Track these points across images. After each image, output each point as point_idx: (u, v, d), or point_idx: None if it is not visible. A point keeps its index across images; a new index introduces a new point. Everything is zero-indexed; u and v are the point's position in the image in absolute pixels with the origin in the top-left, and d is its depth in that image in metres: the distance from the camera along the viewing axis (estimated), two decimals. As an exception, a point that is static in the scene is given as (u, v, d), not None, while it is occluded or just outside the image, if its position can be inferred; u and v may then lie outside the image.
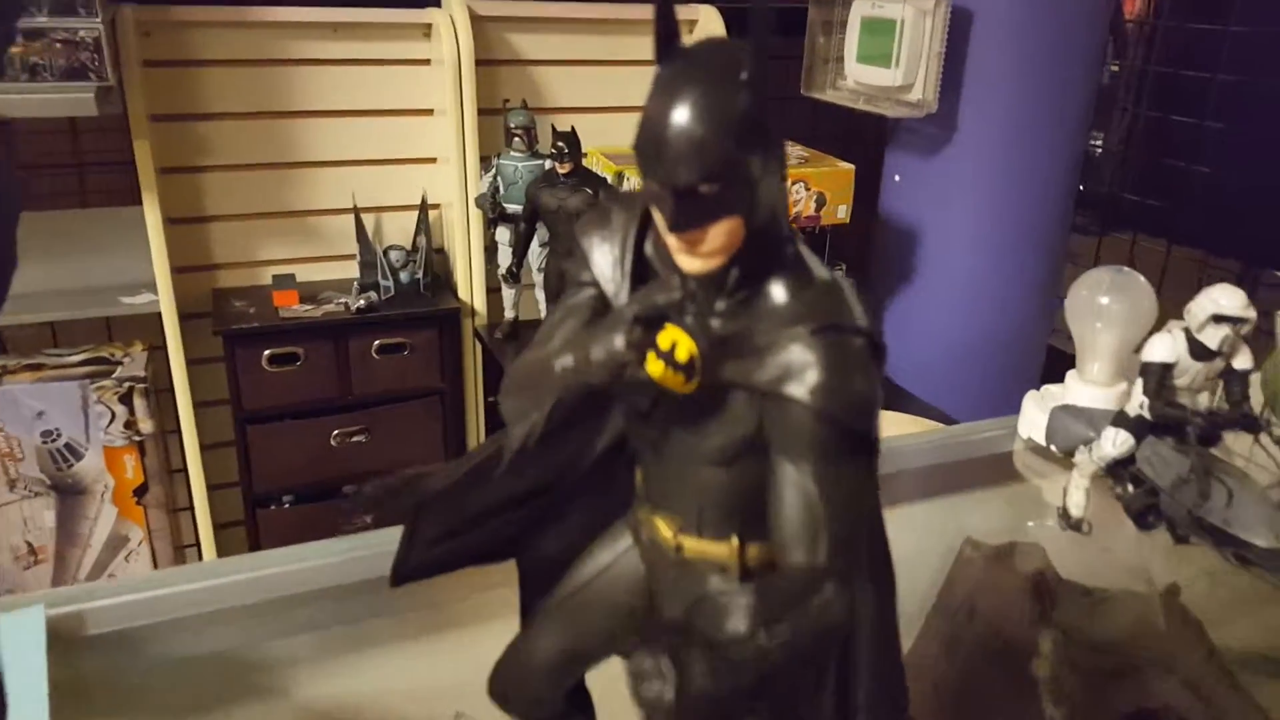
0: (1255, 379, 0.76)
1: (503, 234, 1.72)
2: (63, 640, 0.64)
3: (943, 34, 1.54)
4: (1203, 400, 0.71)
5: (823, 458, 0.35)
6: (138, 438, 1.66)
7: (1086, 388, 0.85)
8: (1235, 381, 0.71)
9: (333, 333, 1.67)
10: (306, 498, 1.75)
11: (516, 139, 1.66)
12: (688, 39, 0.36)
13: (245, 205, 1.75)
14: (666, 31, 0.36)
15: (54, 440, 1.64)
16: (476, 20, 1.73)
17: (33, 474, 1.63)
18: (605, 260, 0.40)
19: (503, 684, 0.48)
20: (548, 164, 1.59)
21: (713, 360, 0.36)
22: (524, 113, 1.68)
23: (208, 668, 0.68)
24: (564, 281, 0.42)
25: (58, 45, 1.43)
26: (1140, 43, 2.39)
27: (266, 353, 1.64)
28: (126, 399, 1.64)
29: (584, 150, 1.56)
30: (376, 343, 1.71)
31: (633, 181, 1.66)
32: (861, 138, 2.04)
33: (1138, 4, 2.45)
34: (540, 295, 1.71)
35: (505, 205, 1.67)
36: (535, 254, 1.70)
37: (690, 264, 0.36)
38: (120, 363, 1.67)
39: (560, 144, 1.51)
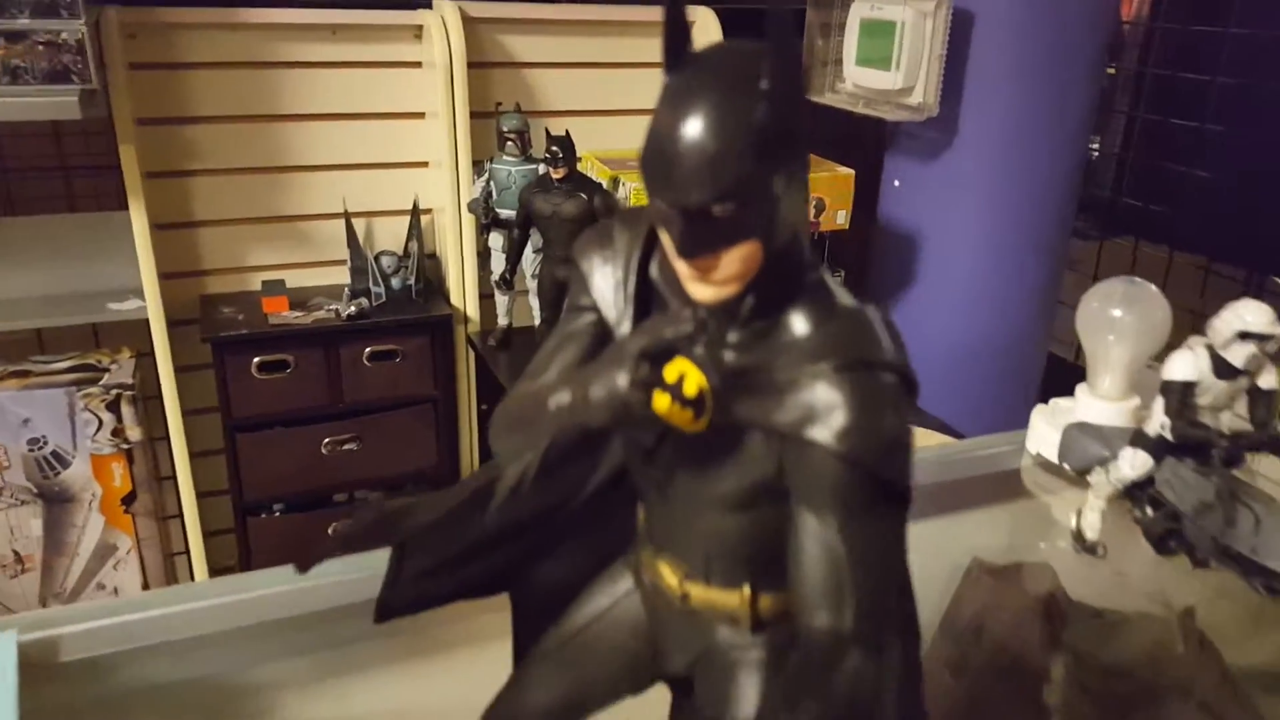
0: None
1: (496, 240, 1.69)
2: (35, 667, 0.61)
3: (944, 36, 1.52)
4: (1224, 420, 0.69)
5: (850, 509, 0.32)
6: (125, 445, 1.64)
7: (1098, 403, 0.82)
8: (1261, 401, 0.68)
9: (323, 340, 1.65)
10: (297, 506, 1.73)
11: (509, 143, 1.64)
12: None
13: (234, 210, 1.73)
14: (677, 35, 0.32)
15: (40, 448, 1.61)
16: (468, 22, 1.70)
17: (19, 482, 1.61)
18: (606, 283, 0.37)
19: None
20: (541, 169, 1.57)
21: (725, 396, 0.33)
22: (517, 116, 1.66)
23: (188, 695, 0.66)
24: (559, 289, 0.39)
25: (39, 47, 1.41)
26: (1136, 45, 2.38)
27: (256, 360, 1.62)
28: (114, 406, 1.62)
29: (578, 155, 1.54)
30: (368, 350, 1.68)
31: (629, 186, 1.63)
32: (860, 142, 2.01)
33: (1133, 6, 2.43)
34: (534, 302, 1.69)
35: (498, 210, 1.65)
36: (529, 260, 1.68)
37: (701, 292, 0.33)
38: (108, 370, 1.64)
39: (554, 148, 1.49)
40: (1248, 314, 0.66)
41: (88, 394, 1.62)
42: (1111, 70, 2.32)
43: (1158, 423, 0.69)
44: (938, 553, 0.77)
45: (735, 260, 0.32)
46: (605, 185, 1.63)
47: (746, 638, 0.37)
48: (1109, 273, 0.95)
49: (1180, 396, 0.67)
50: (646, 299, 0.37)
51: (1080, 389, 0.85)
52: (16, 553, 1.65)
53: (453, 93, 1.69)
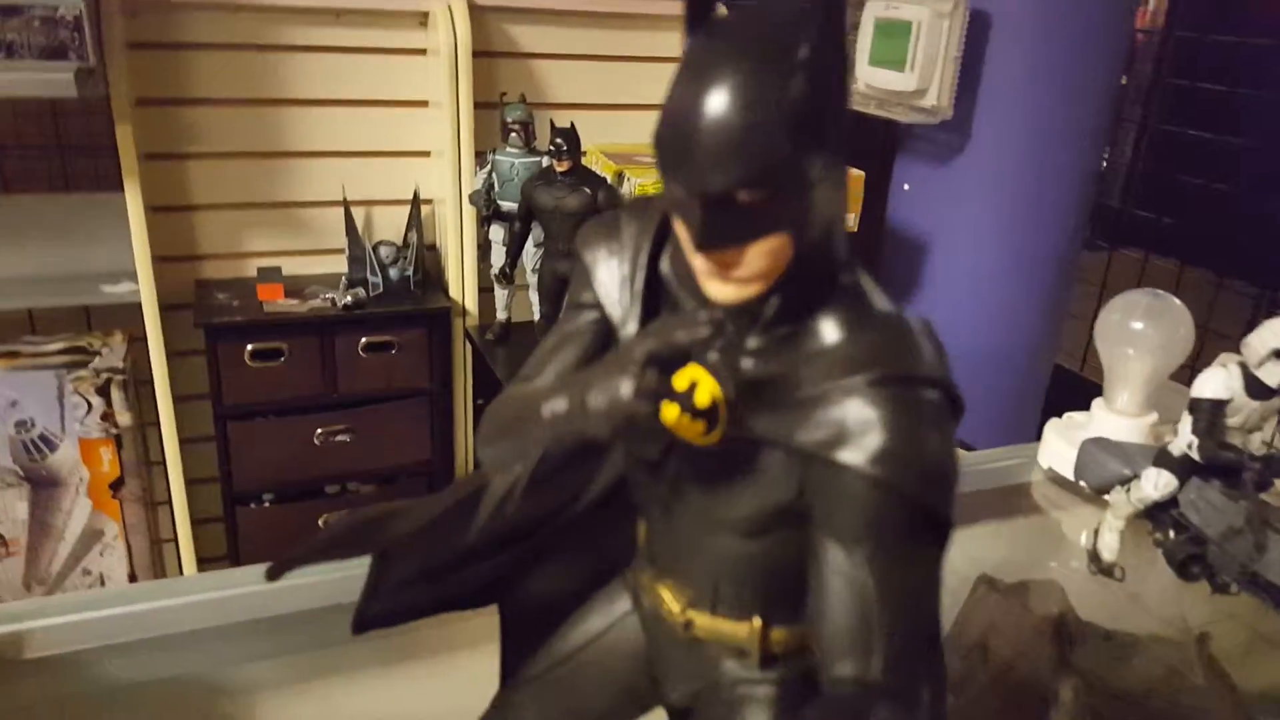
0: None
1: (496, 232, 1.67)
2: (1, 664, 0.59)
3: (960, 37, 1.50)
4: (1255, 441, 0.66)
5: (882, 542, 0.29)
6: (114, 430, 1.61)
7: (1114, 418, 0.80)
8: None
9: (318, 329, 1.62)
10: (288, 497, 1.71)
11: (513, 134, 1.61)
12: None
13: (231, 194, 1.70)
14: None
15: (28, 430, 1.59)
16: (475, 10, 1.68)
17: (5, 464, 1.59)
18: (611, 278, 0.34)
19: None
20: (545, 161, 1.55)
21: (741, 409, 0.30)
22: (522, 107, 1.63)
23: (162, 696, 0.63)
24: (560, 284, 0.36)
25: (36, 23, 1.38)
26: (1149, 54, 2.35)
27: (249, 347, 1.59)
28: (104, 390, 1.59)
29: (583, 148, 1.52)
30: (363, 340, 1.66)
31: (634, 182, 1.60)
32: (871, 144, 1.99)
33: (1147, 15, 2.41)
34: (534, 297, 1.66)
35: (500, 203, 1.63)
36: (530, 254, 1.65)
37: (721, 291, 0.30)
38: (99, 353, 1.61)
39: (558, 141, 1.46)
40: None
41: (78, 377, 1.59)
42: (1122, 80, 2.29)
43: (1184, 442, 0.66)
44: (943, 567, 0.75)
45: (761, 256, 0.29)
46: (610, 180, 1.61)
47: (755, 673, 0.33)
48: (1118, 285, 0.92)
49: (1210, 415, 0.64)
50: (655, 297, 0.33)
51: (1097, 403, 0.83)
52: (1, 536, 1.62)
53: (457, 82, 1.66)
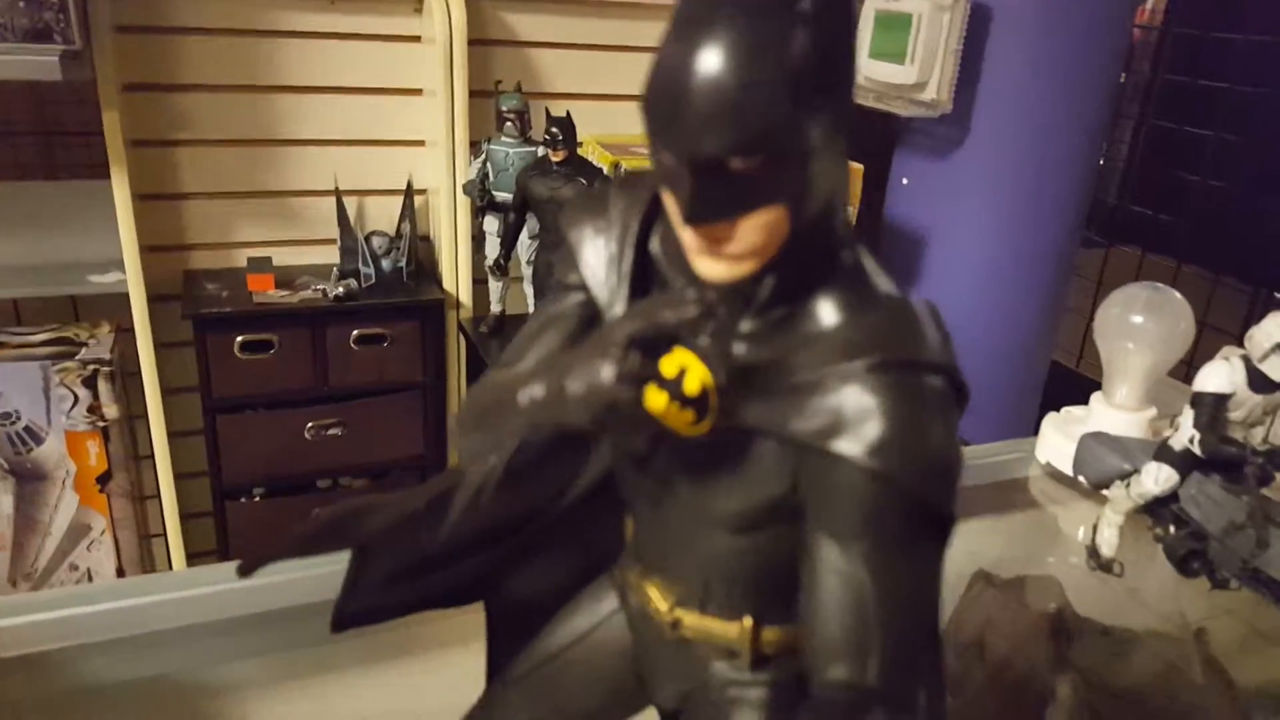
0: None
1: (491, 223, 1.65)
2: (-22, 661, 0.57)
3: (961, 30, 1.48)
4: (1257, 436, 0.65)
5: (880, 539, 0.27)
6: (101, 423, 1.59)
7: (1113, 412, 0.79)
8: None
9: (309, 320, 1.60)
10: (278, 491, 1.69)
11: (508, 123, 1.59)
12: None
13: (221, 183, 1.68)
14: None
15: (13, 423, 1.57)
16: (471, -3, 1.65)
17: (-11, 458, 1.56)
18: (598, 258, 0.31)
19: None
20: (540, 151, 1.53)
21: (733, 397, 0.28)
22: (517, 96, 1.61)
23: (149, 693, 0.62)
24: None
25: (20, 4, 1.35)
26: (1147, 51, 2.35)
27: (239, 339, 1.57)
28: (90, 382, 1.57)
29: (579, 138, 1.50)
30: (355, 332, 1.64)
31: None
32: (871, 136, 1.97)
33: (1146, 12, 2.40)
34: (529, 289, 1.65)
35: (494, 193, 1.61)
36: (525, 246, 1.63)
37: (711, 269, 0.28)
38: (85, 344, 1.59)
39: (554, 130, 1.44)
40: None
41: (64, 368, 1.57)
42: (1121, 77, 2.28)
43: (1185, 436, 0.65)
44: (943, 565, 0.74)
45: (755, 230, 0.27)
46: (606, 171, 1.59)
47: (746, 674, 0.32)
48: (1114, 281, 0.91)
49: (1212, 410, 0.64)
50: (645, 278, 0.31)
51: (1095, 398, 0.82)
52: (-14, 530, 1.60)
53: (452, 70, 1.64)
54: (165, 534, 1.75)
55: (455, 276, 1.78)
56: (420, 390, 1.72)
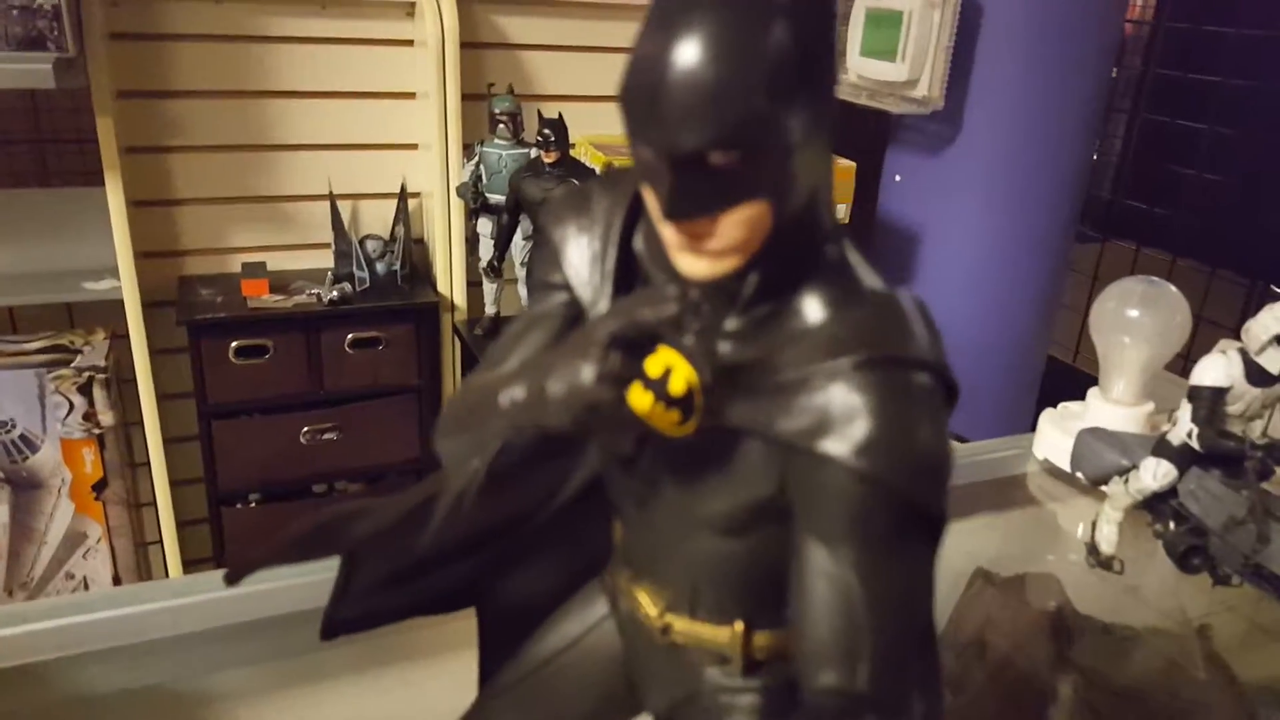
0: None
1: (485, 225, 1.65)
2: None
3: (952, 27, 1.48)
4: (1255, 429, 0.64)
5: (869, 541, 0.26)
6: (97, 430, 1.59)
7: (1111, 408, 0.78)
8: None
9: (304, 325, 1.60)
10: (274, 497, 1.68)
11: (501, 126, 1.59)
12: None
13: (215, 188, 1.68)
14: None
15: (8, 431, 1.57)
16: (463, 0, 1.65)
17: (-16, 467, 1.56)
18: (581, 257, 0.31)
19: None
20: (533, 153, 1.53)
21: (718, 396, 0.27)
22: (510, 99, 1.61)
23: (140, 704, 0.61)
24: None
25: (13, 12, 1.35)
26: (1138, 45, 2.35)
27: (234, 344, 1.57)
28: (86, 389, 1.57)
29: (571, 140, 1.49)
30: (350, 336, 1.63)
31: (623, 173, 1.58)
32: (862, 134, 1.97)
33: (1137, 7, 2.40)
34: (523, 291, 1.64)
35: (488, 195, 1.61)
36: (519, 247, 1.63)
37: (693, 265, 0.27)
38: (80, 351, 1.59)
39: (546, 131, 1.44)
40: None
41: (59, 376, 1.56)
42: (1113, 72, 2.28)
43: (1183, 430, 0.65)
44: (937, 562, 0.73)
45: (736, 225, 0.26)
46: (599, 171, 1.59)
47: (738, 680, 0.31)
48: (1110, 276, 0.91)
49: (1210, 404, 0.63)
50: (629, 276, 0.31)
51: (1092, 393, 0.81)
52: (-19, 539, 1.60)
53: (444, 73, 1.64)
54: (162, 541, 1.74)
55: (450, 279, 1.77)
56: (415, 393, 1.72)
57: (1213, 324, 1.67)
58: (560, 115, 1.48)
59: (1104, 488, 0.73)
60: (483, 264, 1.66)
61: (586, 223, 0.31)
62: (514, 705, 0.38)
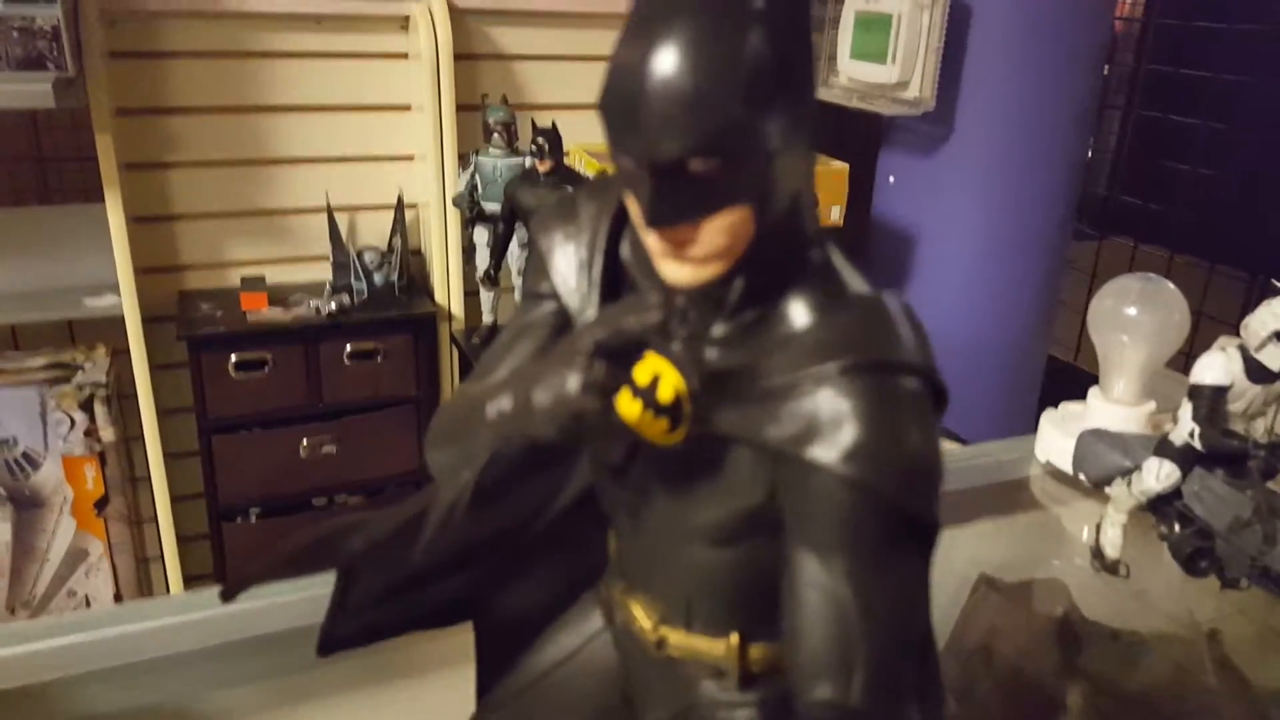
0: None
1: (481, 234, 1.65)
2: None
3: (941, 29, 1.48)
4: (1258, 427, 0.63)
5: (860, 551, 0.26)
6: (98, 447, 1.59)
7: (1112, 407, 0.78)
8: None
9: (303, 337, 1.60)
10: (274, 511, 1.68)
11: (495, 135, 1.59)
12: None
13: (214, 204, 1.68)
14: None
15: (10, 449, 1.57)
16: (455, 13, 1.66)
17: (-14, 486, 1.56)
18: (568, 265, 0.31)
19: None
20: (528, 162, 1.53)
21: (707, 403, 0.27)
22: (503, 109, 1.61)
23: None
24: None
25: (14, 33, 1.35)
26: (1129, 42, 2.35)
27: (233, 358, 1.57)
28: (87, 406, 1.57)
29: (565, 148, 1.50)
30: (348, 348, 1.64)
31: (620, 181, 1.58)
32: (855, 136, 1.97)
33: (1126, 5, 2.41)
34: (519, 298, 1.64)
35: (483, 204, 1.61)
36: (515, 255, 1.63)
37: (676, 272, 0.27)
38: (81, 368, 1.59)
39: (540, 140, 1.44)
40: None
41: (60, 393, 1.57)
42: (1104, 69, 2.28)
43: (1185, 430, 0.64)
44: (942, 568, 0.72)
45: (718, 232, 0.26)
46: (593, 178, 1.59)
47: (734, 694, 0.31)
48: (1108, 273, 0.90)
49: (1211, 402, 0.62)
50: (616, 283, 0.31)
51: (1092, 393, 0.81)
52: (-17, 558, 1.59)
53: (439, 85, 1.64)
54: (163, 557, 1.74)
55: (447, 288, 1.78)
56: (414, 404, 1.71)
57: (1215, 320, 1.66)
58: (554, 124, 1.48)
59: (1107, 489, 0.72)
60: (479, 273, 1.66)
61: (573, 231, 0.31)
62: (513, 718, 0.37)
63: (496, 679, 0.39)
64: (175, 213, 1.67)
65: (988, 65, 1.58)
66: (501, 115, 1.60)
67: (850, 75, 1.65)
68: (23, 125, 1.63)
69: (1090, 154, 2.26)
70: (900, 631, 0.27)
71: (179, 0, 1.55)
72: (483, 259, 1.65)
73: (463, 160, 1.68)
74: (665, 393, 0.27)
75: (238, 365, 1.57)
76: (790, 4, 0.24)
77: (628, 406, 0.27)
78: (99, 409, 1.57)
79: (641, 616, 0.32)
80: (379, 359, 1.66)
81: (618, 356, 0.27)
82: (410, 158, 1.77)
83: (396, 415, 1.70)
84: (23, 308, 1.58)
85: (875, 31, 1.56)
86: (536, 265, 0.32)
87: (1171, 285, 0.75)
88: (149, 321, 1.58)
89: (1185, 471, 0.64)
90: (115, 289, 1.55)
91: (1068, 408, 0.83)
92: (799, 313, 0.27)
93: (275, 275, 1.71)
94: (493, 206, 1.60)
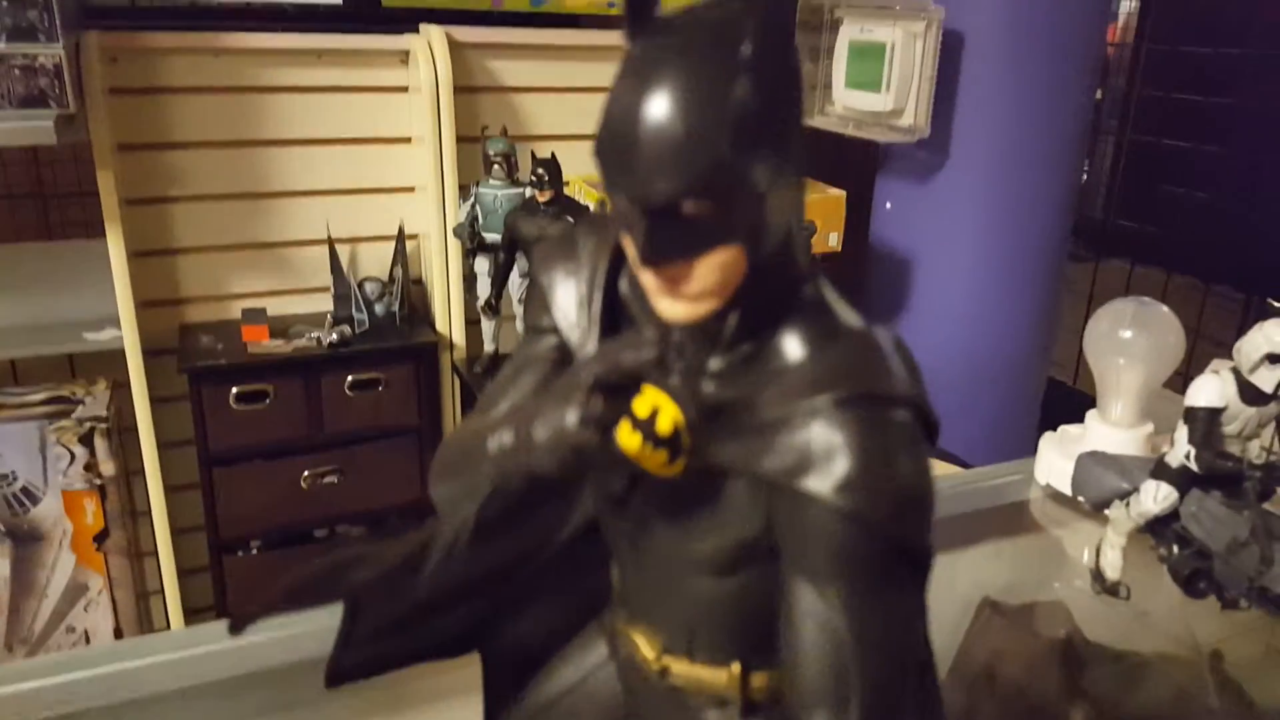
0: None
1: (481, 264, 1.66)
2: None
3: (934, 57, 1.51)
4: (1254, 449, 0.64)
5: (855, 580, 0.27)
6: (98, 481, 1.58)
7: (1109, 430, 0.78)
8: None
9: (304, 369, 1.60)
10: (276, 542, 1.67)
11: (496, 166, 1.61)
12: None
13: (214, 237, 1.70)
14: None
15: (10, 484, 1.56)
16: (455, 47, 1.69)
17: (-16, 521, 1.55)
18: (569, 300, 0.32)
19: None
20: (528, 192, 1.55)
21: (704, 435, 0.28)
22: (503, 140, 1.64)
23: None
24: None
25: (16, 71, 1.38)
26: (1121, 68, 2.39)
27: (234, 390, 1.57)
28: (87, 440, 1.57)
29: (565, 178, 1.52)
30: (350, 378, 1.64)
31: (617, 210, 1.60)
32: (852, 164, 2.00)
33: (1117, 31, 2.45)
34: (521, 328, 1.65)
35: (484, 235, 1.62)
36: (515, 285, 1.64)
37: (672, 309, 0.28)
38: (81, 402, 1.59)
39: (540, 171, 1.46)
40: (1277, 335, 0.61)
41: (60, 427, 1.57)
42: (1097, 94, 2.32)
43: (1181, 452, 0.65)
44: (944, 592, 0.72)
45: (711, 270, 0.27)
46: (593, 208, 1.60)
47: None
48: (1105, 296, 0.91)
49: (1205, 425, 0.63)
50: (615, 318, 0.32)
51: (1090, 415, 0.81)
52: (-18, 595, 1.58)
53: (439, 117, 1.67)
54: (163, 591, 1.72)
55: (448, 318, 1.78)
56: (416, 434, 1.71)
57: (1212, 341, 1.67)
58: (553, 155, 1.50)
59: (1106, 512, 0.72)
60: (480, 302, 1.67)
61: (573, 266, 0.32)
62: None
63: (504, 710, 0.39)
64: (176, 246, 1.68)
65: (981, 92, 1.61)
66: (501, 147, 1.62)
67: (845, 104, 1.68)
68: (25, 161, 1.65)
69: (1085, 178, 2.29)
70: (897, 659, 0.27)
71: (180, 37, 1.58)
72: (484, 288, 1.67)
73: (463, 191, 1.70)
74: (664, 425, 0.27)
75: (239, 397, 1.58)
76: (777, 49, 0.25)
77: (628, 439, 0.28)
78: (99, 443, 1.57)
79: (644, 646, 0.33)
80: (380, 389, 1.66)
81: (616, 391, 0.27)
82: (411, 189, 1.79)
83: (398, 445, 1.70)
84: (23, 342, 1.59)
85: (869, 60, 1.59)
86: (538, 300, 0.32)
87: (1165, 308, 0.76)
88: (150, 355, 1.59)
89: (1182, 493, 0.65)
90: (116, 323, 1.56)
91: (1067, 430, 0.83)
92: (792, 347, 0.28)
93: (276, 307, 1.72)
94: (493, 237, 1.61)
